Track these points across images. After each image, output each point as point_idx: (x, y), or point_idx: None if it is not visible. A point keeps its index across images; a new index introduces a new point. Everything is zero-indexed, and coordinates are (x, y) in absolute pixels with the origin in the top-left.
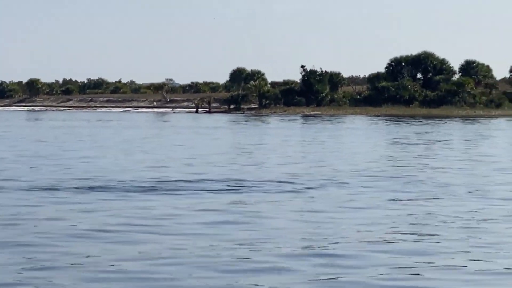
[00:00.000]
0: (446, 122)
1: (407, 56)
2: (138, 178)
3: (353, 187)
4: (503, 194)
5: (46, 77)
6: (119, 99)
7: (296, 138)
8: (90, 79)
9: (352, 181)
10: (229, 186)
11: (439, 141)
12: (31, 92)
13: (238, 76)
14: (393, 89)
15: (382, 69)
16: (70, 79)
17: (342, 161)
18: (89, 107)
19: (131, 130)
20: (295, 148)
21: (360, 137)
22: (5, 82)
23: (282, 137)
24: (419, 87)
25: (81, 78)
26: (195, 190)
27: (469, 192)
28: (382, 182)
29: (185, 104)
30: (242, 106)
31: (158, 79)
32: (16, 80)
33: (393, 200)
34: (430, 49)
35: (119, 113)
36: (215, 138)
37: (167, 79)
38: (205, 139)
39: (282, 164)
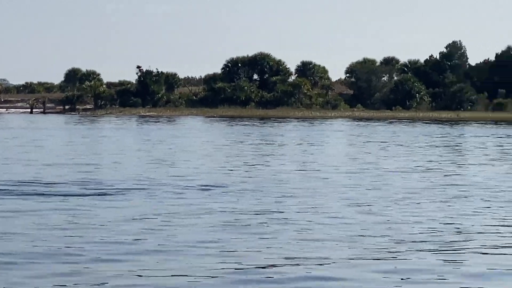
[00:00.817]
0: (282, 123)
1: (243, 57)
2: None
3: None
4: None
5: None
6: None
7: (139, 139)
8: None
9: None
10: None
11: (275, 142)
12: None
13: (73, 76)
14: (229, 90)
15: (218, 70)
16: None
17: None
18: None
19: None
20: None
21: (201, 138)
22: None
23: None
24: (255, 88)
25: None
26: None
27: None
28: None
29: (19, 104)
30: (77, 107)
31: None
32: None
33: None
34: (266, 50)
35: None
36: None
37: (0, 79)
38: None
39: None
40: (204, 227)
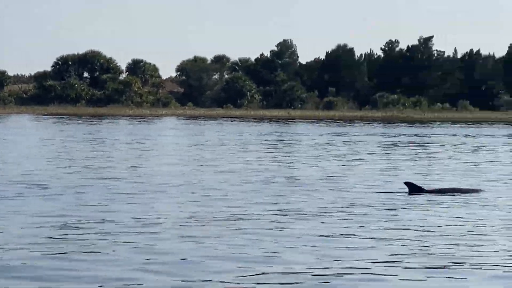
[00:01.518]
0: (114, 121)
1: (73, 55)
2: None
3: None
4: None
5: None
6: None
7: None
8: None
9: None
10: None
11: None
12: None
13: None
14: (59, 88)
15: (48, 68)
16: None
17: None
18: None
19: None
20: None
21: (34, 136)
22: None
23: None
24: (86, 86)
25: None
26: None
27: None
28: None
29: None
30: None
31: None
32: None
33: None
34: (97, 48)
35: None
36: None
37: None
38: None
39: None
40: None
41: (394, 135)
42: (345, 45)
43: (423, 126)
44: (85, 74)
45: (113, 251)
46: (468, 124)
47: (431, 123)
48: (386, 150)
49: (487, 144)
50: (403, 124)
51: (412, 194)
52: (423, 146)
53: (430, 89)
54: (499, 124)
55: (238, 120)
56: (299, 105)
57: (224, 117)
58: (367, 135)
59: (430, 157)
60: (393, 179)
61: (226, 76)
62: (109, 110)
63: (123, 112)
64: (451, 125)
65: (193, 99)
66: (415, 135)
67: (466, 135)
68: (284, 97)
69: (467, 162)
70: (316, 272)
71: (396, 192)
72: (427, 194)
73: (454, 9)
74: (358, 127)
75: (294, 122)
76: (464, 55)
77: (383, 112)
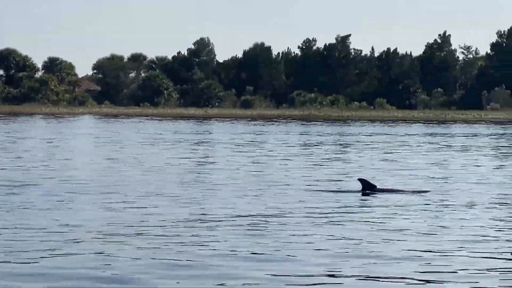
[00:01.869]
0: (30, 120)
1: None
2: None
3: None
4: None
5: None
6: None
7: None
8: None
9: None
10: None
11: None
12: None
13: None
14: None
15: None
16: None
17: None
18: None
19: None
20: None
21: None
22: None
23: None
24: (1, 84)
25: None
26: None
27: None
28: None
29: None
30: None
31: None
32: None
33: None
34: (12, 45)
35: None
36: None
37: None
38: None
39: None
40: None
41: (319, 134)
42: (262, 44)
43: (343, 125)
44: (1, 72)
45: (43, 257)
46: (387, 123)
47: (349, 122)
48: (312, 148)
49: (410, 142)
50: (322, 122)
51: (365, 191)
52: (350, 145)
53: (348, 87)
54: (417, 123)
55: (156, 118)
56: (217, 104)
57: (141, 115)
58: (288, 133)
59: (361, 156)
60: (330, 177)
61: (143, 74)
62: (25, 108)
63: (39, 110)
64: (371, 124)
65: (110, 98)
66: (338, 133)
67: (389, 134)
68: (201, 96)
69: (396, 161)
70: (274, 273)
71: (351, 191)
72: (379, 192)
73: (372, 8)
74: (278, 125)
75: (211, 120)
76: (381, 54)
77: (300, 110)
